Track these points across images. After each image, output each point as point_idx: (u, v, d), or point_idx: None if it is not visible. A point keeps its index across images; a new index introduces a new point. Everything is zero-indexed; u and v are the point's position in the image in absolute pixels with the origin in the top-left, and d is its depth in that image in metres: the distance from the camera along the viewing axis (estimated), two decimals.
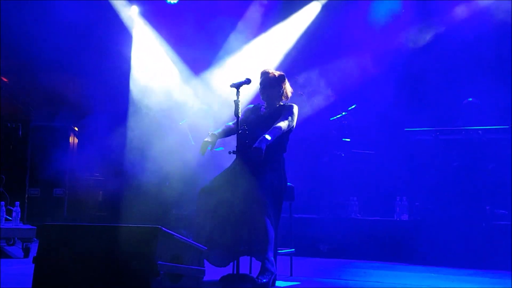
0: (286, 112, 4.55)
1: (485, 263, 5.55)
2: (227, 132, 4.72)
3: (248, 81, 4.37)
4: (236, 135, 4.31)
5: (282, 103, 4.68)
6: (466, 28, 7.27)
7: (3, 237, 6.01)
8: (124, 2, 8.72)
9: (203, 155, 4.60)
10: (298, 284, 4.38)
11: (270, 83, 4.64)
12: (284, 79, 4.70)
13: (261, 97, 4.72)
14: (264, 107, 4.73)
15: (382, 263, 5.89)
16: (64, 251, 3.08)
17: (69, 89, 8.60)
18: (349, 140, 7.27)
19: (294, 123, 4.59)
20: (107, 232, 3.13)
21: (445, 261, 5.69)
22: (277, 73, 4.69)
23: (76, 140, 8.62)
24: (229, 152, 4.39)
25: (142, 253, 2.96)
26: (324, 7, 8.32)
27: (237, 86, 4.28)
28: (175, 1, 8.73)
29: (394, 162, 7.05)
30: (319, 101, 7.51)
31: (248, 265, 4.69)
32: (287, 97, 4.72)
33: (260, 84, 4.68)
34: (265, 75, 4.69)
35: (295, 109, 4.61)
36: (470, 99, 6.86)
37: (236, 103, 4.25)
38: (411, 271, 5.37)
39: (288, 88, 4.73)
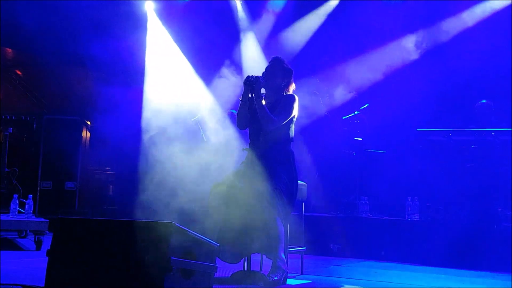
0: (283, 103, 4.40)
1: (497, 266, 5.51)
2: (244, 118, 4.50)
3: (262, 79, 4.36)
4: (248, 130, 4.32)
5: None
6: (478, 31, 7.23)
7: (16, 229, 6.07)
8: None
9: None
10: (309, 283, 4.38)
11: (279, 73, 4.48)
12: (292, 74, 4.56)
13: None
14: (264, 94, 4.46)
15: (392, 263, 5.88)
16: (78, 245, 3.10)
17: (82, 83, 8.66)
18: (361, 139, 7.25)
19: (294, 113, 4.42)
20: (121, 227, 3.14)
21: (455, 263, 5.67)
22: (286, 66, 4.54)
23: (88, 134, 8.68)
24: (242, 149, 4.40)
25: (155, 248, 2.96)
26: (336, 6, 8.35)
27: (252, 84, 4.29)
28: None
29: (406, 162, 7.01)
30: (332, 100, 7.50)
31: (259, 263, 4.70)
32: (287, 91, 4.55)
33: (267, 70, 4.48)
34: (277, 63, 4.51)
35: (294, 100, 4.43)
36: (484, 100, 6.82)
37: (250, 100, 4.27)
38: (421, 272, 5.35)
39: (293, 85, 4.57)
